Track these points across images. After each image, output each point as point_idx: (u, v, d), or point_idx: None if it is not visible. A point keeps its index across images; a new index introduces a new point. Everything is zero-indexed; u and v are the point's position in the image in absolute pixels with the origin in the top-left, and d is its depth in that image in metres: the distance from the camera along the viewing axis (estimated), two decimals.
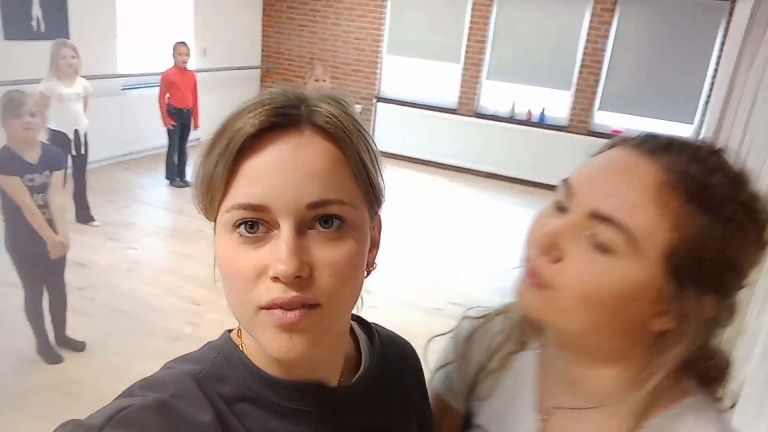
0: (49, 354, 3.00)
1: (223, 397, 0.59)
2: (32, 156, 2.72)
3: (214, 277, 0.58)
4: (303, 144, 0.54)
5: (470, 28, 7.01)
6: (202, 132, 5.79)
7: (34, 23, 5.03)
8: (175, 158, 5.69)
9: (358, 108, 4.96)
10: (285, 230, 0.52)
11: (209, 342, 0.65)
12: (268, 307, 0.52)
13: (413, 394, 0.76)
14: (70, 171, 4.10)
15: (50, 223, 2.75)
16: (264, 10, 8.02)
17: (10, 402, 2.70)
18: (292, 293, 0.52)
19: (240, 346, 0.63)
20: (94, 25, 5.65)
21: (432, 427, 0.80)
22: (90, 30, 5.57)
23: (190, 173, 5.61)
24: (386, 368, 0.71)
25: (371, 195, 0.59)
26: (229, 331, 0.66)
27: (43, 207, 2.74)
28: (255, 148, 0.54)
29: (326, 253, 0.53)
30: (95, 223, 4.71)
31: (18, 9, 4.90)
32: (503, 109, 7.13)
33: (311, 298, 0.52)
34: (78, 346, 3.10)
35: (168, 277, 4.04)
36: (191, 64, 5.93)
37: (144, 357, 3.03)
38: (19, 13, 4.92)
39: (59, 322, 3.06)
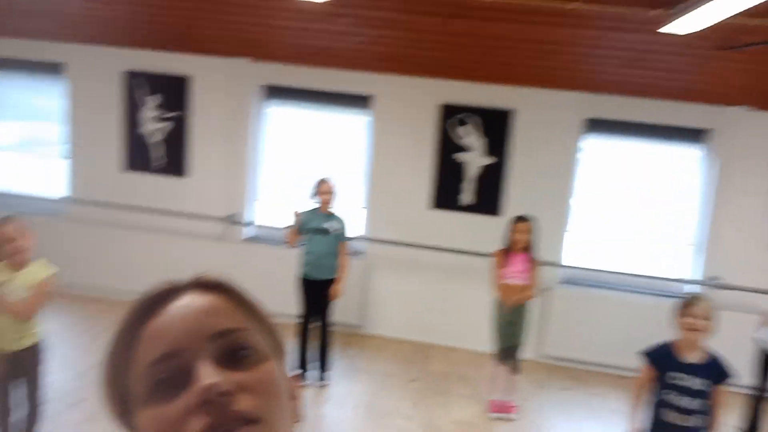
0: None
1: None
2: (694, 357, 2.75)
3: None
4: (192, 296, 0.60)
5: None
6: None
7: None
8: None
9: None
10: (199, 364, 0.53)
11: None
12: None
13: None
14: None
15: None
16: None
17: None
18: (230, 408, 0.51)
19: None
20: None
21: None
22: None
23: None
24: None
25: (273, 340, 0.62)
26: None
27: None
28: (152, 316, 0.58)
29: (245, 376, 0.54)
30: None
31: None
32: None
33: (250, 412, 0.52)
34: None
35: None
36: None
37: None
38: None
39: None
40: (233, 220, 5.55)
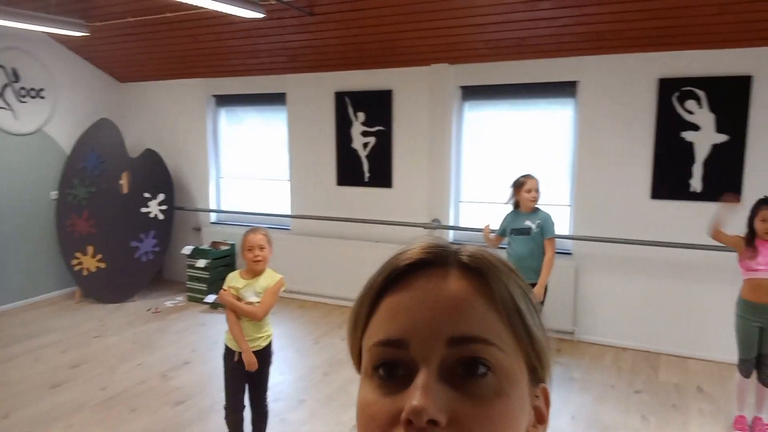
0: None
1: None
2: None
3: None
4: (446, 279, 0.52)
5: None
6: None
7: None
8: None
9: None
10: (423, 370, 0.48)
11: None
12: None
13: None
14: None
15: None
16: None
17: None
18: None
19: None
20: None
21: None
22: None
23: None
24: None
25: (528, 348, 0.52)
26: None
27: None
28: (399, 287, 0.52)
29: (468, 406, 0.47)
30: None
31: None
32: None
33: None
34: None
35: None
36: None
37: None
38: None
39: None
40: (436, 225, 5.57)
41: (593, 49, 4.75)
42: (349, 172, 6.05)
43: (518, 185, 4.15)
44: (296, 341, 5.21)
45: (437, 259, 0.53)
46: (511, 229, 4.15)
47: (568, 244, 5.09)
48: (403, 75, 5.64)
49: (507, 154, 5.37)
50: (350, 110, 5.93)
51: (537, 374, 0.53)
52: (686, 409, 3.92)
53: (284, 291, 3.28)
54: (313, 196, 6.29)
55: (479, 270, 0.52)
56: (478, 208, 5.56)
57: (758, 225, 3.41)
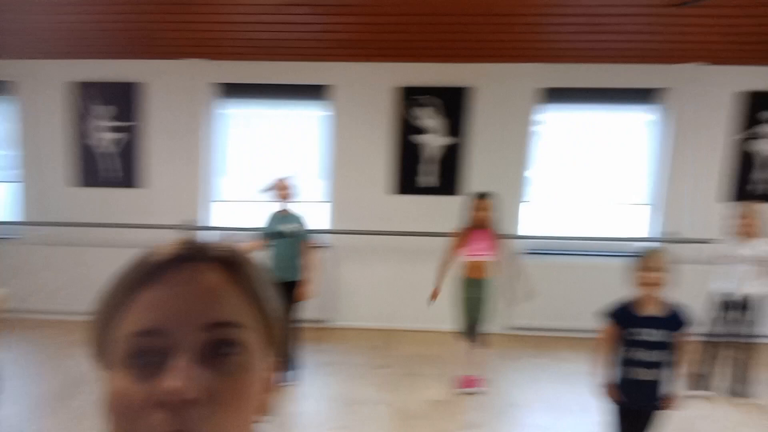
0: None
1: None
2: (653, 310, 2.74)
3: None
4: (201, 272, 0.56)
5: None
6: None
7: None
8: None
9: None
10: (180, 354, 0.51)
11: None
12: None
13: None
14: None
15: None
16: None
17: None
18: (189, 418, 0.50)
19: None
20: None
21: None
22: None
23: None
24: None
25: (268, 329, 0.59)
26: None
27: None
28: (154, 281, 0.55)
29: (221, 382, 0.52)
30: (749, 400, 4.14)
31: None
32: None
33: (205, 428, 0.51)
34: None
35: None
36: None
37: None
38: None
39: None
40: (189, 225, 5.40)
41: (344, 56, 5.12)
42: (89, 171, 5.52)
43: (273, 186, 4.25)
44: (32, 365, 4.62)
45: (191, 255, 0.57)
46: (272, 232, 4.23)
47: (327, 238, 5.39)
48: (155, 67, 5.37)
49: (267, 154, 5.47)
50: (90, 103, 5.42)
51: (271, 350, 0.61)
52: (421, 376, 4.46)
53: (12, 308, 2.91)
54: (47, 199, 5.60)
55: (231, 263, 0.58)
56: (236, 207, 5.55)
57: (474, 215, 4.05)
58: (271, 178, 4.29)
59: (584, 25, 4.53)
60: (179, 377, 0.49)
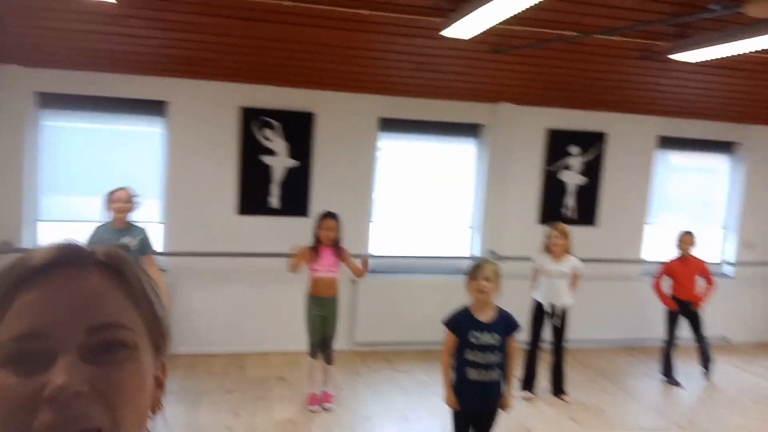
0: None
1: None
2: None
3: None
4: (84, 275, 0.56)
5: None
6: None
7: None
8: (672, 352, 5.26)
9: None
10: (64, 355, 0.51)
11: None
12: None
13: None
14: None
15: None
16: None
17: None
18: (77, 411, 0.50)
19: None
20: (624, 213, 6.16)
21: None
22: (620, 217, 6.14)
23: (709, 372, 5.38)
24: None
25: (154, 330, 0.60)
26: None
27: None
28: (34, 285, 0.54)
29: (105, 375, 0.52)
30: (566, 398, 4.70)
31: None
32: None
33: (94, 421, 0.50)
34: None
35: None
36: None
37: None
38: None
39: None
40: (4, 247, 4.79)
41: (183, 72, 4.96)
42: None
43: (108, 198, 4.01)
44: None
45: (72, 258, 0.56)
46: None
47: (163, 261, 5.12)
48: None
49: (100, 171, 5.06)
50: None
51: (159, 350, 0.61)
52: (271, 398, 4.44)
53: None
54: None
55: (115, 267, 0.58)
56: (67, 227, 5.06)
57: (321, 234, 4.17)
58: (108, 190, 4.03)
59: (419, 63, 4.96)
60: (63, 373, 0.50)
